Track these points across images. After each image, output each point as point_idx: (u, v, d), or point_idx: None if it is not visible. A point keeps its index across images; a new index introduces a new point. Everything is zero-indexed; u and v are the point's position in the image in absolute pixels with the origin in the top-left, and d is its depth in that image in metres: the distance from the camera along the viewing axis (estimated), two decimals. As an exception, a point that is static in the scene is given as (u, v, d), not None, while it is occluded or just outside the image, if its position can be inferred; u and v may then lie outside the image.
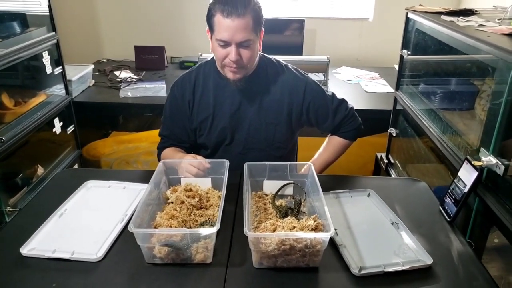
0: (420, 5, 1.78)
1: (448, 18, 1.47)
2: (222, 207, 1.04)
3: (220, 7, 1.24)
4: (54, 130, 2.12)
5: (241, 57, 1.30)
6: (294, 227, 1.00)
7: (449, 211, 1.18)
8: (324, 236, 0.93)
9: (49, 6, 1.98)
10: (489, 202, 1.10)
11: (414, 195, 1.33)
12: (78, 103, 2.40)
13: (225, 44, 1.28)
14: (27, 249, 1.03)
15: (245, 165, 1.24)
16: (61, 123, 2.17)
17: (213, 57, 1.48)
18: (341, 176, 1.46)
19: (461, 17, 1.49)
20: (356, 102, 1.57)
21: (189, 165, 1.26)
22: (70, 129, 2.27)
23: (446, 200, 1.21)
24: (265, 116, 1.47)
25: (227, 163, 1.25)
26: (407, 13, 1.77)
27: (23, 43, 1.81)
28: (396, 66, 3.10)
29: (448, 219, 1.16)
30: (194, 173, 1.26)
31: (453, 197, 1.17)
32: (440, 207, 1.23)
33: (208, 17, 1.31)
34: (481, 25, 1.33)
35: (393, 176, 1.99)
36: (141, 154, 2.64)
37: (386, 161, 2.10)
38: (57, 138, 2.19)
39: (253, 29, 1.28)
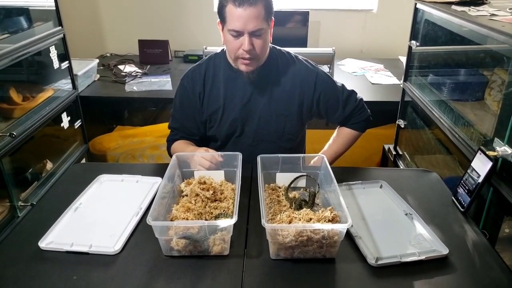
0: (429, -5, 1.77)
1: (459, 8, 1.46)
2: (238, 200, 1.04)
3: None
4: (62, 125, 2.12)
5: (253, 47, 1.30)
6: (310, 219, 1.00)
7: (462, 201, 1.18)
8: (342, 227, 0.94)
9: (55, 1, 1.98)
10: (504, 192, 1.10)
11: (426, 186, 1.34)
12: (84, 97, 2.39)
13: (238, 34, 1.28)
14: (45, 243, 1.04)
15: (258, 158, 1.24)
16: (69, 118, 2.17)
17: (223, 49, 1.49)
18: (352, 168, 1.46)
19: (472, 6, 1.48)
20: (362, 94, 1.57)
21: (202, 159, 1.27)
22: (77, 124, 2.27)
23: (459, 190, 1.21)
24: (276, 107, 1.47)
25: (240, 156, 1.25)
26: (415, 4, 1.76)
27: (31, 38, 1.80)
28: (401, 58, 3.12)
29: (462, 210, 1.17)
30: (207, 166, 1.26)
31: (467, 188, 1.17)
32: (453, 198, 1.23)
33: (219, 9, 1.30)
34: (493, 15, 1.33)
35: (401, 167, 1.99)
36: (146, 148, 2.64)
37: (394, 152, 2.10)
38: (65, 133, 2.19)
39: (264, 18, 1.28)
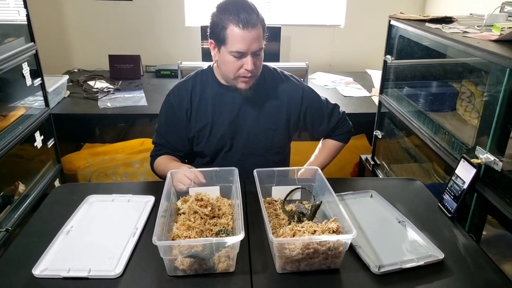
0: (401, 13, 1.87)
1: (433, 26, 1.56)
2: (242, 215, 1.04)
3: (234, 19, 1.25)
4: (35, 144, 2.02)
5: (255, 66, 1.33)
6: (315, 231, 1.02)
7: (449, 207, 1.24)
8: (347, 238, 0.96)
9: (27, 16, 1.90)
10: (489, 197, 1.17)
11: (412, 194, 1.40)
12: (55, 115, 2.30)
13: (241, 55, 1.29)
14: (39, 270, 0.99)
15: (255, 172, 1.25)
16: (42, 137, 2.07)
17: (209, 65, 1.49)
18: (341, 179, 1.51)
19: (443, 24, 1.59)
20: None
21: (184, 176, 1.26)
22: (50, 142, 2.18)
23: (444, 197, 1.28)
24: (264, 122, 1.49)
25: (236, 171, 1.25)
26: (389, 21, 1.86)
27: (4, 55, 1.72)
28: (368, 71, 3.26)
29: (449, 215, 1.23)
30: (187, 184, 1.25)
31: (452, 194, 1.24)
32: (439, 204, 1.30)
33: (217, 30, 1.29)
34: (465, 32, 1.43)
35: (380, 176, 2.07)
36: (119, 166, 2.57)
37: (372, 162, 2.18)
38: (38, 153, 2.09)
39: (263, 37, 1.33)
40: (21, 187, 1.93)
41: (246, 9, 1.26)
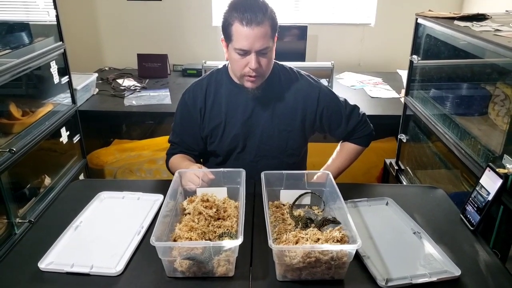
0: (430, 10, 1.77)
1: (462, 24, 1.46)
2: (243, 219, 1.02)
3: (239, 16, 1.23)
4: (61, 139, 2.09)
5: (260, 65, 1.29)
6: (318, 239, 0.98)
7: (471, 219, 1.16)
8: (351, 248, 0.91)
9: (57, 16, 1.97)
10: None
11: (432, 203, 1.31)
12: (83, 112, 2.38)
13: (245, 53, 1.27)
14: (45, 264, 1.01)
15: (262, 174, 1.22)
16: (68, 133, 2.14)
17: (225, 64, 1.48)
18: (356, 184, 1.45)
19: (474, 22, 1.48)
20: (361, 108, 1.56)
21: (193, 175, 1.25)
22: (76, 138, 2.25)
23: (467, 208, 1.19)
24: (279, 123, 1.45)
25: (243, 172, 1.23)
26: (416, 19, 1.76)
27: (32, 53, 1.79)
28: (399, 71, 3.13)
29: (471, 228, 1.14)
30: (197, 183, 1.24)
31: (476, 205, 1.15)
32: (461, 216, 1.21)
33: (224, 26, 1.29)
34: (497, 30, 1.33)
35: (404, 182, 1.97)
36: (144, 163, 2.62)
37: (396, 167, 2.08)
38: (64, 148, 2.16)
39: (270, 36, 1.28)
40: (47, 180, 2.01)
41: (253, 7, 1.23)
